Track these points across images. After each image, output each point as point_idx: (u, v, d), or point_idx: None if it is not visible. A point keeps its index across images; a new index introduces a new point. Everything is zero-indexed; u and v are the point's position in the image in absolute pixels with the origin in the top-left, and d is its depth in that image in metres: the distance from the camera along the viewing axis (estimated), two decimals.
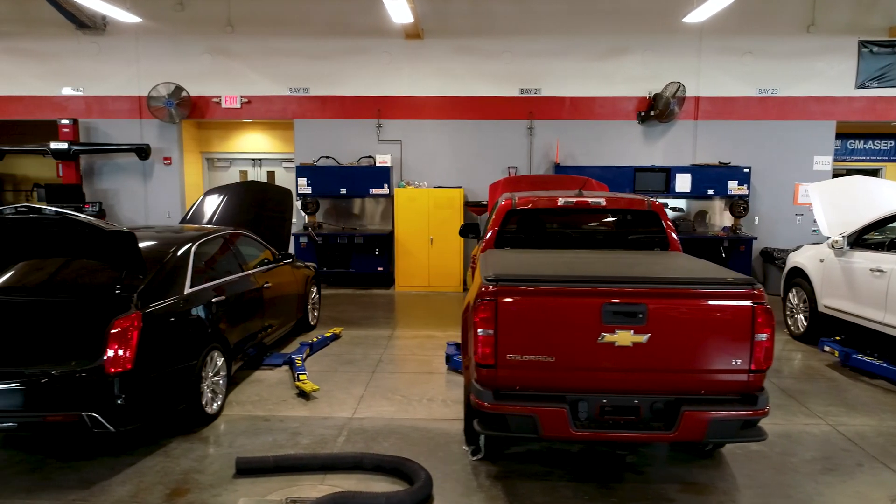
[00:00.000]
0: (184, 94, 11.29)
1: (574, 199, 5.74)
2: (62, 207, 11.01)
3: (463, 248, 11.22)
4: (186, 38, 11.56)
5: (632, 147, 11.57)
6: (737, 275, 4.16)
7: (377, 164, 11.41)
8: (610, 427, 4.02)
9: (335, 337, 8.18)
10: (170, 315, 5.08)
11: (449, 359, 6.96)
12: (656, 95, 11.16)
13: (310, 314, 8.50)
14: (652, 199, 5.81)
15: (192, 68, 11.61)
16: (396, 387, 6.49)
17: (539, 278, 4.06)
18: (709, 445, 4.84)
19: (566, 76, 11.47)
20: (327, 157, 11.62)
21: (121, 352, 4.53)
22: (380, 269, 11.40)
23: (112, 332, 4.54)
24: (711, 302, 3.94)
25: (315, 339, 7.77)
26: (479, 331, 4.02)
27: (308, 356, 7.32)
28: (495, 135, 11.61)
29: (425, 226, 11.10)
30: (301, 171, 11.40)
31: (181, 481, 4.54)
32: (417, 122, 11.64)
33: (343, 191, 11.35)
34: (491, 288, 4.03)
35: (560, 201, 5.76)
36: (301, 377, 6.37)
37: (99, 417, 4.42)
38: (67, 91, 11.82)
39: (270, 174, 13.01)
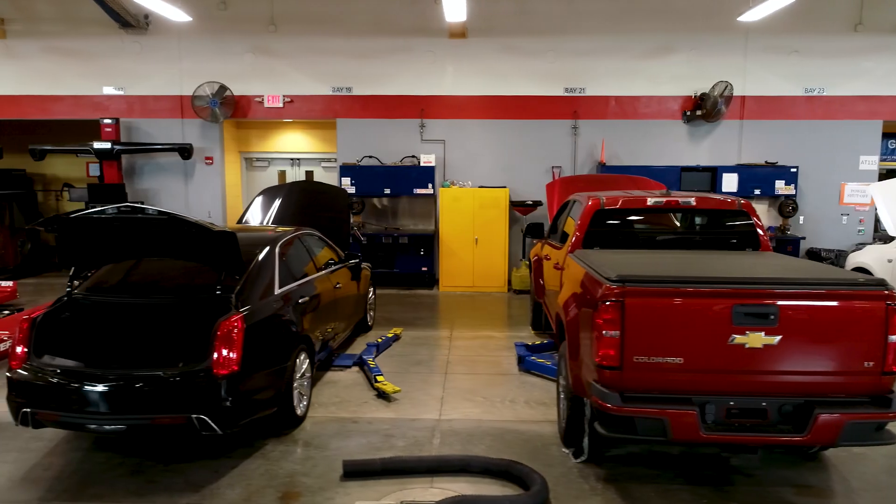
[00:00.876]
0: (227, 93, 11.24)
1: (664, 199, 5.68)
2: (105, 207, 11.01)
3: (508, 248, 11.16)
4: (229, 37, 11.51)
5: (676, 146, 11.51)
6: (867, 276, 4.10)
7: (421, 164, 11.36)
8: (737, 430, 3.96)
9: (396, 338, 8.13)
10: (266, 316, 5.03)
11: (522, 360, 6.90)
12: (703, 94, 11.10)
13: (367, 315, 8.45)
14: (742, 199, 5.75)
15: (233, 67, 11.56)
16: (474, 388, 6.44)
17: (667, 279, 4.00)
18: (814, 448, 4.77)
19: (611, 75, 11.41)
20: (370, 157, 11.57)
21: (227, 353, 4.48)
22: (424, 269, 11.34)
23: (219, 333, 4.49)
24: (844, 303, 3.88)
25: (380, 340, 7.72)
26: (605, 332, 3.96)
27: (375, 357, 7.27)
28: (539, 134, 11.55)
29: (470, 225, 11.04)
30: (345, 170, 11.35)
31: (288, 484, 4.49)
32: (461, 122, 11.58)
33: (387, 190, 11.29)
34: (617, 289, 3.97)
35: (650, 201, 5.70)
36: (379, 378, 6.31)
37: (207, 420, 4.37)
38: (109, 90, 11.77)
39: (309, 174, 12.96)
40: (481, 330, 8.83)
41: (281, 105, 11.63)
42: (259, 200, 8.81)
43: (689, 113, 11.34)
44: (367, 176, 11.27)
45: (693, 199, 5.69)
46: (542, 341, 7.70)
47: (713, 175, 11.17)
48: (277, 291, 5.40)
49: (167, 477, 4.57)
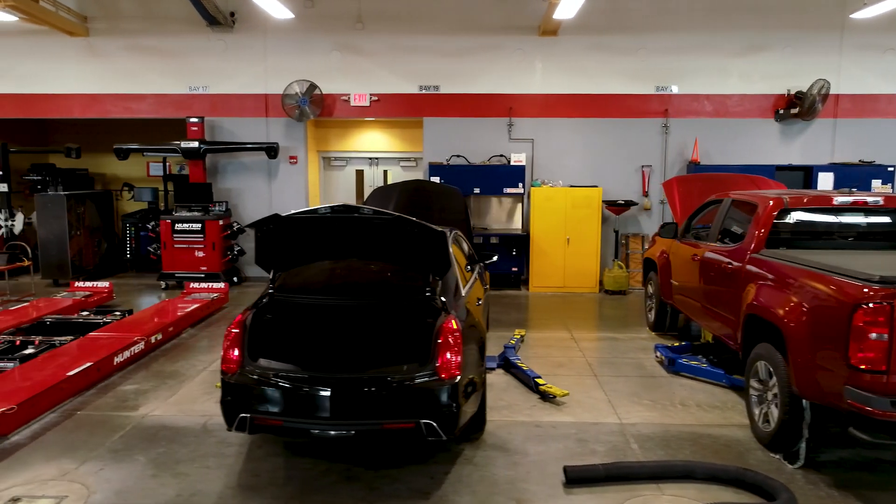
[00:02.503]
0: (316, 91, 11.12)
1: (851, 199, 5.55)
2: (191, 207, 10.89)
3: (601, 247, 11.04)
4: (315, 34, 11.39)
5: (767, 145, 11.38)
6: None
7: (512, 163, 11.22)
8: None
9: (521, 339, 8.00)
10: (464, 318, 4.91)
11: (673, 362, 6.77)
12: (798, 93, 10.96)
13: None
14: None
15: (319, 65, 11.43)
16: (634, 391, 6.31)
17: None
18: None
19: (702, 73, 11.28)
20: (458, 156, 11.44)
21: (451, 357, 4.36)
22: (514, 269, 11.22)
23: (441, 337, 4.38)
24: None
25: (512, 342, 7.60)
26: (871, 335, 3.84)
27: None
28: (628, 133, 11.43)
29: (562, 225, 10.91)
30: (434, 169, 11.22)
31: (511, 490, 4.37)
32: (549, 121, 11.46)
33: (476, 190, 11.16)
34: (883, 290, 3.85)
35: (836, 200, 5.57)
36: (540, 381, 6.19)
37: (434, 425, 4.24)
38: (192, 89, 11.65)
39: (386, 173, 12.83)
40: (599, 331, 8.71)
41: (367, 104, 11.51)
42: (372, 200, 8.70)
43: (781, 111, 11.21)
44: (457, 175, 11.12)
45: (881, 198, 5.56)
46: (675, 343, 7.56)
47: (807, 174, 11.04)
48: (463, 292, 5.28)
49: (386, 483, 4.46)
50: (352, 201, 12.89)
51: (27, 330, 7.76)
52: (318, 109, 11.21)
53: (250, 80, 11.58)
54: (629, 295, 11.05)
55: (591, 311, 10.06)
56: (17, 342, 7.12)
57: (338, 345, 4.76)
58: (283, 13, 10.19)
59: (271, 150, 11.36)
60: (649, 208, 11.52)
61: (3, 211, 12.09)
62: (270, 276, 5.02)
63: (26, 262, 10.22)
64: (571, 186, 11.15)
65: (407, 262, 4.89)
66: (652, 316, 8.54)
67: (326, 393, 4.19)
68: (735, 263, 5.82)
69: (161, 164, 14.99)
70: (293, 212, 4.59)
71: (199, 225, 10.96)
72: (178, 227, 10.99)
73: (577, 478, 4.45)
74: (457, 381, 4.34)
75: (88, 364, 6.25)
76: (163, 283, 11.23)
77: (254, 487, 4.41)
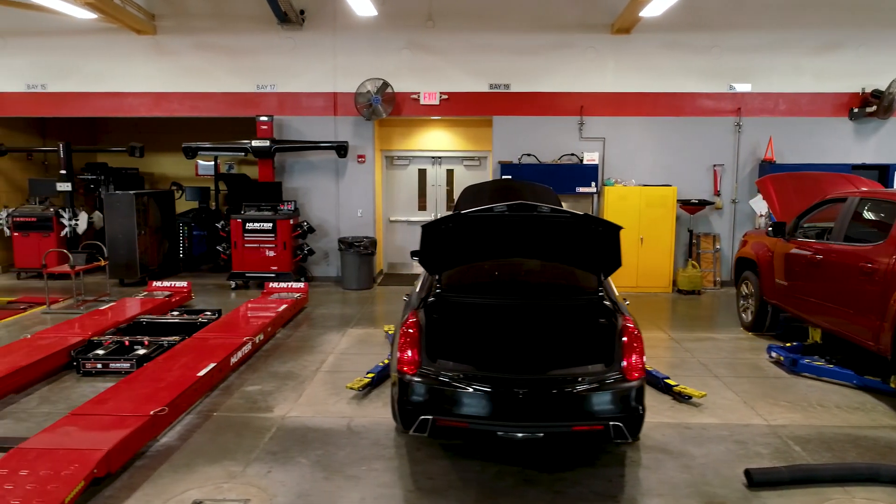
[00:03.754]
0: (388, 89, 11.04)
1: None
2: (260, 206, 10.82)
3: (674, 247, 10.97)
4: (385, 32, 11.31)
5: (841, 144, 11.30)
6: None
7: (585, 162, 11.14)
8: None
9: None
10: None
11: (795, 363, 6.69)
12: (876, 91, 10.88)
13: None
14: None
15: (389, 64, 11.35)
16: (764, 392, 6.23)
17: None
18: None
19: (776, 72, 11.20)
20: (528, 155, 11.36)
21: (635, 359, 4.29)
22: None
23: (625, 338, 4.31)
24: None
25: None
26: None
27: None
28: (699, 132, 11.34)
29: (635, 224, 10.83)
30: (505, 168, 11.15)
31: (696, 493, 4.30)
32: (620, 119, 11.38)
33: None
34: None
35: None
36: (669, 381, 6.13)
37: (622, 427, 4.17)
38: (260, 87, 11.58)
39: (450, 172, 12.76)
40: (694, 331, 8.62)
41: (437, 102, 11.43)
42: (465, 198, 8.61)
43: (856, 110, 11.12)
44: (528, 174, 11.03)
45: None
46: (787, 344, 7.47)
47: (883, 173, 10.97)
48: (616, 291, 5.21)
49: (565, 486, 4.38)
50: (414, 201, 12.82)
51: (125, 330, 7.70)
52: (389, 108, 11.14)
53: (319, 79, 11.50)
54: (703, 295, 10.98)
55: (673, 310, 9.99)
56: (126, 342, 7.05)
57: (515, 345, 4.69)
58: (369, 10, 10.11)
59: (341, 149, 11.28)
60: (720, 207, 11.44)
61: (67, 210, 12.02)
62: (427, 277, 4.92)
63: (103, 262, 10.14)
64: (642, 185, 11.08)
65: (575, 260, 4.82)
66: (748, 316, 8.47)
67: (517, 394, 4.12)
68: (878, 263, 5.73)
69: (212, 163, 15.02)
70: (468, 210, 4.52)
71: (270, 224, 10.89)
72: (249, 226, 10.92)
73: (761, 480, 4.37)
74: (643, 382, 4.28)
75: (213, 365, 6.19)
76: (232, 283, 11.16)
77: (435, 491, 4.33)
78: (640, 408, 4.24)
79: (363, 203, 11.79)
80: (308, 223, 11.39)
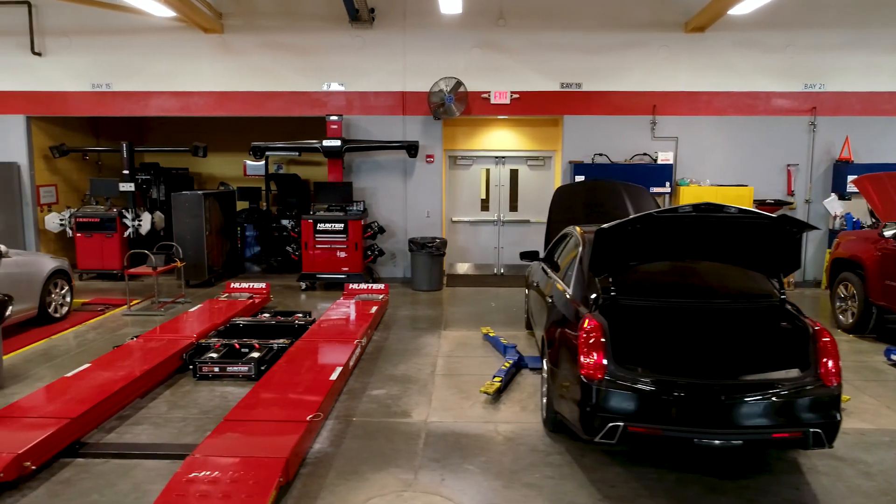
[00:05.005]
0: (461, 89, 10.93)
1: None
2: (330, 206, 10.71)
3: None
4: (456, 31, 11.20)
5: None
6: None
7: (658, 162, 11.03)
8: None
9: None
10: None
11: None
12: None
13: None
14: None
15: (459, 63, 11.25)
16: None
17: None
18: None
19: (851, 70, 11.10)
20: (600, 155, 11.25)
21: (832, 364, 4.18)
22: None
23: (820, 343, 4.20)
24: None
25: None
26: None
27: None
28: (773, 131, 11.24)
29: None
30: (578, 168, 11.05)
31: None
32: (692, 119, 11.27)
33: None
34: None
35: None
36: None
37: (821, 434, 4.06)
38: (328, 86, 11.46)
39: (513, 172, 12.63)
40: None
41: (507, 101, 11.32)
42: (559, 197, 8.53)
43: None
44: (602, 174, 10.91)
45: None
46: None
47: None
48: None
49: (756, 495, 4.25)
50: (477, 201, 12.71)
51: (223, 332, 7.58)
52: (462, 107, 11.02)
53: (387, 78, 11.39)
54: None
55: None
56: (236, 346, 6.93)
57: (701, 350, 4.57)
58: (455, 7, 9.99)
59: (412, 149, 11.17)
60: (794, 208, 11.33)
61: (129, 211, 11.91)
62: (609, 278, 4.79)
63: (179, 263, 10.02)
64: (714, 185, 10.98)
65: (750, 262, 4.70)
66: (848, 318, 8.35)
67: (718, 400, 4.01)
68: None
69: (262, 163, 14.90)
70: (652, 211, 4.40)
71: (342, 225, 10.77)
72: (321, 227, 10.79)
73: None
74: (840, 388, 4.16)
75: (340, 368, 6.07)
76: (303, 284, 11.04)
77: (624, 499, 4.22)
78: (838, 414, 4.12)
79: (430, 203, 11.68)
80: (378, 224, 11.28)
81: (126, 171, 11.87)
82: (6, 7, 11.23)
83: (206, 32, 11.28)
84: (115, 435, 5.21)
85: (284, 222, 13.14)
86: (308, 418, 4.87)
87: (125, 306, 9.68)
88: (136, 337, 7.18)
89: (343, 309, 8.58)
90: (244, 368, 6.44)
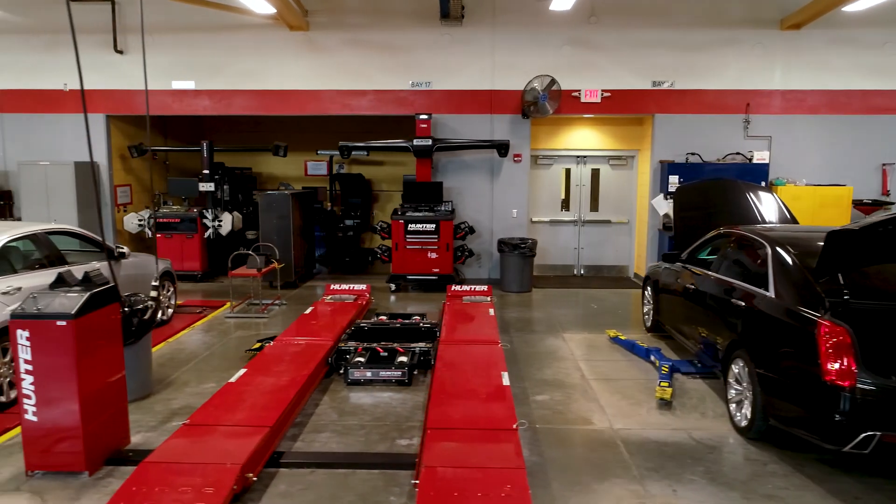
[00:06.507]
0: (555, 87, 10.75)
1: None
2: (418, 206, 10.53)
3: None
4: (546, 28, 11.02)
5: None
6: None
7: (754, 161, 10.85)
8: None
9: None
10: None
11: None
12: None
13: None
14: None
15: (548, 61, 11.06)
16: None
17: None
18: None
19: None
20: (692, 154, 11.08)
21: None
22: None
23: None
24: None
25: None
26: None
27: None
28: (869, 130, 11.05)
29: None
30: (672, 168, 10.87)
31: None
32: (787, 117, 11.08)
33: None
34: None
35: None
36: None
37: None
38: (415, 85, 11.28)
39: (595, 172, 12.45)
40: None
41: (598, 100, 11.14)
42: (682, 198, 8.38)
43: None
44: (695, 174, 10.72)
45: None
46: None
47: None
48: None
49: None
50: (557, 201, 12.53)
51: (352, 336, 7.40)
52: (555, 105, 10.84)
53: (476, 76, 11.21)
54: None
55: None
56: (379, 349, 6.76)
57: None
58: (565, 4, 9.80)
59: (503, 148, 10.99)
60: (890, 208, 11.15)
61: (209, 211, 11.74)
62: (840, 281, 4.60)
63: (277, 265, 9.85)
64: (811, 185, 10.79)
65: None
66: None
67: None
68: None
69: (324, 163, 14.74)
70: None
71: (434, 225, 10.59)
72: (412, 227, 10.62)
73: None
74: None
75: (505, 372, 5.91)
76: (392, 286, 10.85)
77: None
78: None
79: (517, 203, 11.52)
80: (468, 224, 11.10)
81: (206, 171, 11.70)
82: (91, 4, 11.05)
83: (292, 30, 11.11)
84: (302, 443, 5.04)
85: (348, 222, 12.99)
86: (514, 426, 4.70)
87: (223, 308, 9.54)
88: (271, 341, 7.00)
89: (460, 311, 8.41)
90: (397, 374, 6.28)
